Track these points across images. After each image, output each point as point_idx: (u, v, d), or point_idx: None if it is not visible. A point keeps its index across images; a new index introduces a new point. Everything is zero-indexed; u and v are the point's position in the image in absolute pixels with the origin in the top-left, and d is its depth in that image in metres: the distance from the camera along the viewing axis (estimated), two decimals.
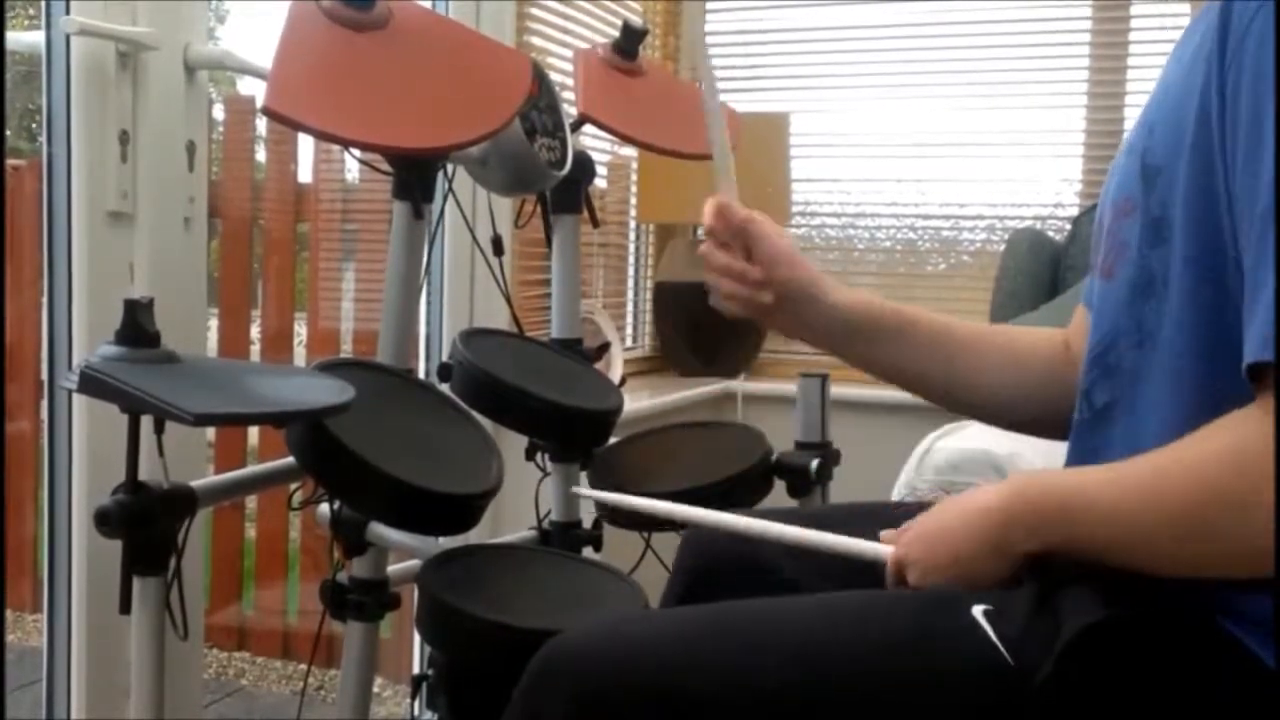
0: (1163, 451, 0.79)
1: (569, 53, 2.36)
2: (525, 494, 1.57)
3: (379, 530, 1.25)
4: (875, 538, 1.02)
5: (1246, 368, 0.74)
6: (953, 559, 0.88)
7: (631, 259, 3.08)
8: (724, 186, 1.13)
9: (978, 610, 0.83)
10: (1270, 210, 0.72)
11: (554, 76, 1.50)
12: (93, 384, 0.92)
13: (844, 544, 0.98)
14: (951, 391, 1.14)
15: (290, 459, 1.13)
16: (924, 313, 1.13)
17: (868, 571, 1.03)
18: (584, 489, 1.25)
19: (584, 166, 1.52)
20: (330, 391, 1.03)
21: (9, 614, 2.17)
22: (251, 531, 2.49)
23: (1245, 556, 0.74)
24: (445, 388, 1.33)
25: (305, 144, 2.28)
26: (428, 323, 1.99)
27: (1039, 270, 2.50)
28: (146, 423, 1.01)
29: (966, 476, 1.78)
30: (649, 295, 3.00)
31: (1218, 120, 0.77)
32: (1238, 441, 0.74)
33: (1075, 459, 0.97)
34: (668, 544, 1.48)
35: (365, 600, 1.28)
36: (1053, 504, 0.84)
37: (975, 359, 1.12)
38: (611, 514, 1.47)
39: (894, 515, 1.11)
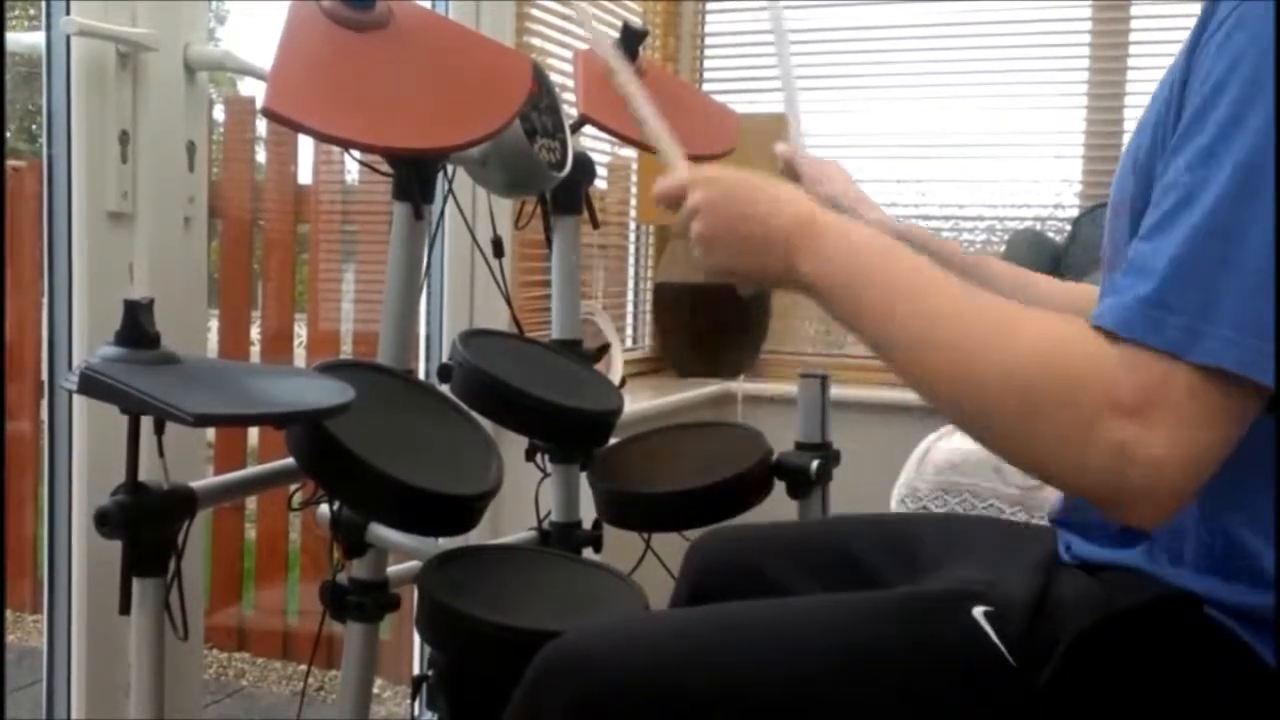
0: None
1: (569, 53, 2.36)
2: (525, 494, 1.57)
3: (379, 531, 1.25)
4: (886, 560, 1.04)
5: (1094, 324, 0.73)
6: (733, 261, 0.90)
7: (631, 259, 3.08)
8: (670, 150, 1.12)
9: (978, 611, 0.83)
10: (1180, 203, 0.72)
11: (554, 77, 1.50)
12: (93, 385, 0.92)
13: (655, 124, 1.04)
14: None
15: (290, 459, 1.13)
16: (987, 257, 1.18)
17: (870, 583, 1.04)
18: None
19: (584, 167, 1.52)
20: (330, 392, 1.03)
21: (9, 614, 2.17)
22: (251, 532, 2.49)
23: (1045, 440, 0.73)
24: (445, 388, 1.33)
25: (305, 144, 2.28)
26: (428, 323, 1.99)
27: (1039, 270, 2.50)
28: (147, 423, 1.01)
29: (966, 477, 1.78)
30: (649, 295, 3.00)
31: (1175, 113, 0.77)
32: (1092, 346, 0.73)
33: None
34: (668, 544, 1.48)
35: (365, 601, 1.28)
36: (846, 256, 0.84)
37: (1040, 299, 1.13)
38: (612, 513, 1.47)
39: (904, 533, 1.12)
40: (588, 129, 1.53)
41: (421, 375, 1.88)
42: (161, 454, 1.04)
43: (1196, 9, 0.83)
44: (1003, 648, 0.80)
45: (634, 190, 2.92)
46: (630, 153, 2.81)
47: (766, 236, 0.88)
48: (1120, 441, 0.70)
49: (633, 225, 3.04)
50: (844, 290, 0.84)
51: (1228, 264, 0.69)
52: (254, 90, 2.26)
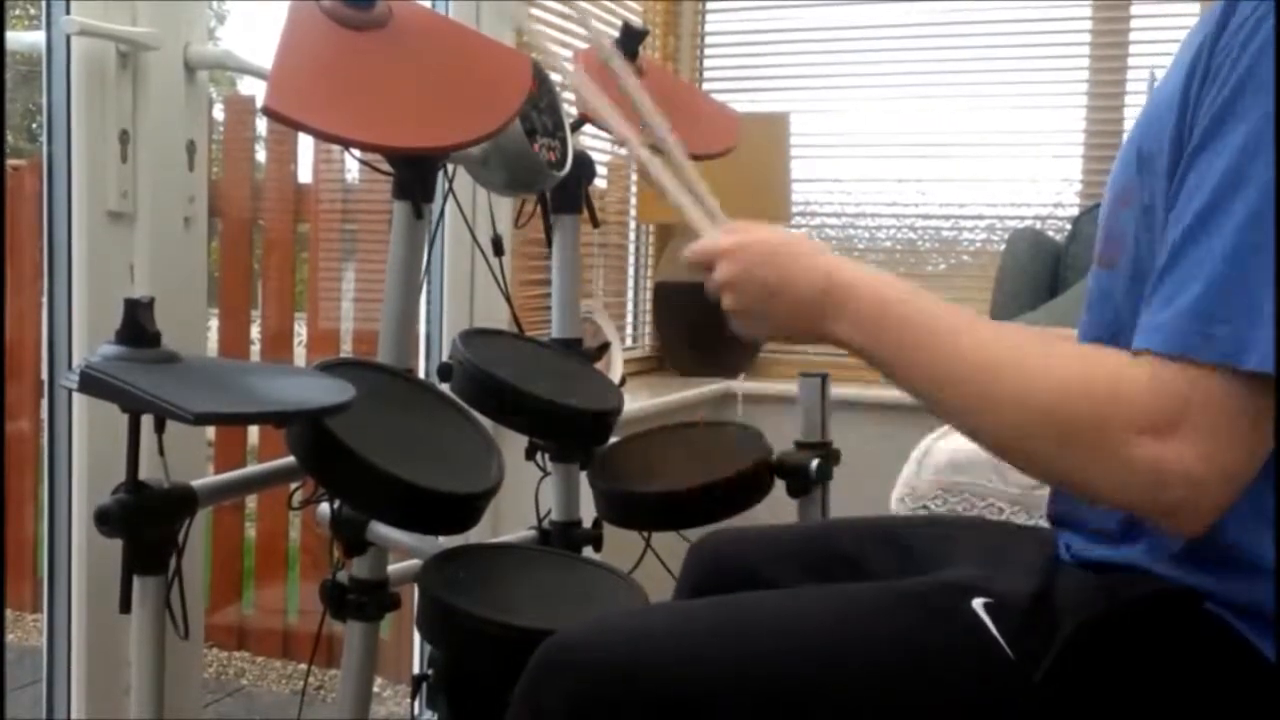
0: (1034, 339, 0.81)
1: (569, 53, 2.36)
2: (525, 494, 1.57)
3: (379, 530, 1.25)
4: (885, 561, 1.03)
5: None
6: (767, 329, 0.92)
7: (631, 259, 3.08)
8: (696, 216, 1.12)
9: (978, 604, 0.83)
10: (1202, 219, 0.73)
11: (554, 76, 1.50)
12: (93, 383, 0.92)
13: (683, 202, 1.04)
14: None
15: (290, 458, 1.13)
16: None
17: (869, 579, 1.04)
18: None
19: (584, 166, 1.52)
20: (330, 391, 1.03)
21: (9, 614, 2.17)
22: (251, 531, 2.49)
23: (1088, 470, 0.75)
24: (445, 388, 1.33)
25: (305, 144, 2.27)
26: (428, 323, 1.99)
27: (1039, 270, 2.50)
28: (147, 422, 1.01)
29: (966, 476, 1.78)
30: (649, 295, 3.00)
31: (1191, 112, 0.77)
32: (1120, 369, 0.75)
33: None
34: (668, 544, 1.48)
35: (365, 600, 1.28)
36: (875, 310, 0.86)
37: None
38: (612, 512, 1.47)
39: (903, 534, 1.11)
40: (587, 128, 1.53)
41: (421, 374, 1.88)
42: (162, 453, 1.04)
43: (1197, 9, 0.83)
44: (1001, 640, 0.80)
45: (634, 189, 2.92)
46: None
47: (794, 308, 0.90)
48: (1154, 460, 0.72)
49: (633, 224, 3.05)
50: (876, 349, 0.86)
51: (1265, 267, 0.70)
52: (254, 89, 2.26)
